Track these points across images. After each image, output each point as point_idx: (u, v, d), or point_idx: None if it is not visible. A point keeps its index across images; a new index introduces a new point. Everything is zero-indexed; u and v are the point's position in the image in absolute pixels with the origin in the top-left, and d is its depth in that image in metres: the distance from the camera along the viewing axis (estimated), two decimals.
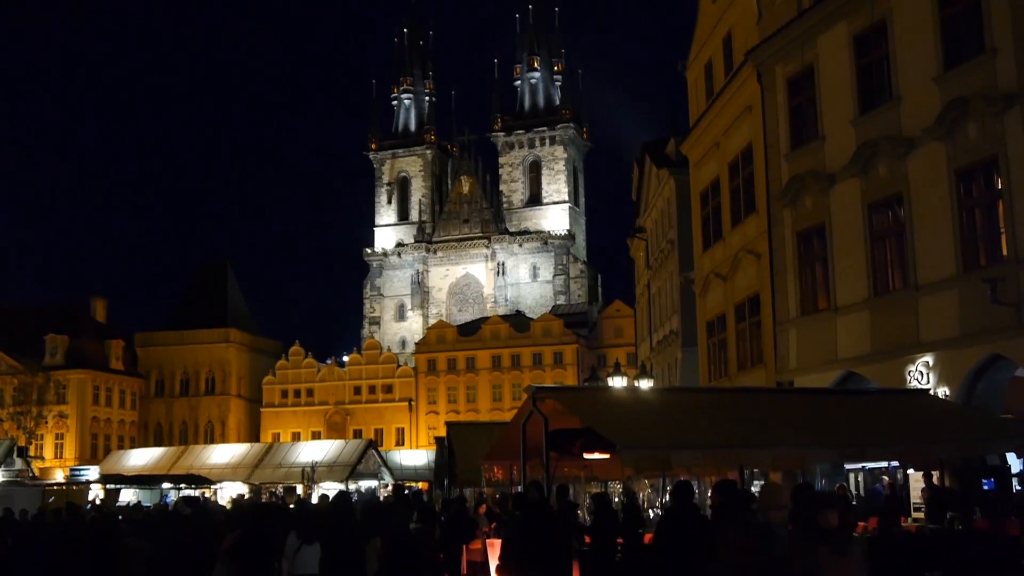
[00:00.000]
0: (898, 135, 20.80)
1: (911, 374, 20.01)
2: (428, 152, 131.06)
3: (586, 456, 17.35)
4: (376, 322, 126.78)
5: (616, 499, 22.76)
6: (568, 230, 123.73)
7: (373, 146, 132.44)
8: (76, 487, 45.76)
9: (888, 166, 21.11)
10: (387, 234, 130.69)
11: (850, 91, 22.49)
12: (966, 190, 19.45)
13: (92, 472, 60.89)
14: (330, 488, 45.02)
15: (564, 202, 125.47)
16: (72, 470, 70.47)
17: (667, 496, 21.86)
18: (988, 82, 18.75)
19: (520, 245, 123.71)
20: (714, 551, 8.75)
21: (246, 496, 43.51)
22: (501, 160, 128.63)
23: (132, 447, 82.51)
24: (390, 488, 48.05)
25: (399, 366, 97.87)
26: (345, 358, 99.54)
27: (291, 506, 25.87)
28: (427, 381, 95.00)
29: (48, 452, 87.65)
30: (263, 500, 39.43)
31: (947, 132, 19.42)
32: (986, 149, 18.77)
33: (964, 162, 19.29)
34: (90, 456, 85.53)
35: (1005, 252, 18.52)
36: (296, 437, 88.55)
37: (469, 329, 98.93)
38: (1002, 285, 17.84)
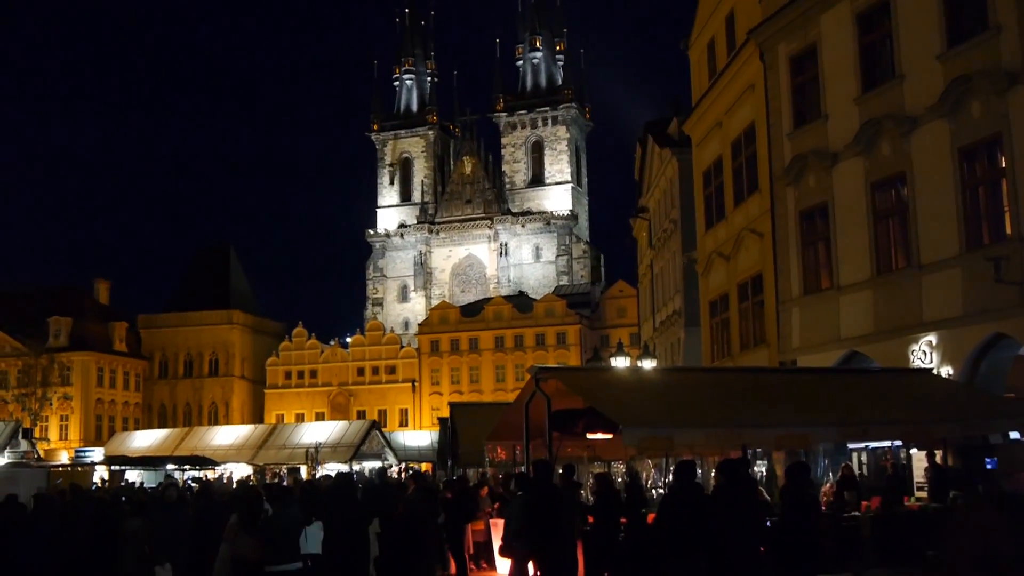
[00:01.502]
0: (901, 113, 20.72)
1: (914, 353, 20.00)
2: (430, 133, 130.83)
3: (589, 436, 17.38)
4: (379, 303, 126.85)
5: (619, 479, 22.79)
6: (571, 210, 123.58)
7: (375, 127, 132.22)
8: (81, 468, 45.89)
9: (891, 145, 21.04)
10: (390, 215, 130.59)
11: (853, 69, 22.39)
12: (970, 168, 19.38)
13: (97, 454, 61.06)
14: (334, 469, 45.17)
15: (567, 182, 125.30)
16: (77, 452, 70.75)
17: (670, 476, 21.91)
18: (992, 60, 18.66)
19: (523, 226, 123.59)
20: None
21: (250, 477, 43.62)
22: (503, 140, 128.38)
23: (136, 429, 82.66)
24: (395, 471, 48.19)
25: (402, 347, 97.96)
26: (348, 339, 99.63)
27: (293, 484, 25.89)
28: (430, 362, 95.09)
29: (53, 434, 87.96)
30: (267, 481, 39.53)
31: (951, 110, 19.34)
32: (990, 127, 18.69)
33: (968, 140, 19.21)
34: (95, 438, 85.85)
35: (1009, 231, 18.46)
36: (300, 418, 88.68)
37: (472, 310, 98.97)
38: (1006, 264, 17.79)
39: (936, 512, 17.31)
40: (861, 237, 21.86)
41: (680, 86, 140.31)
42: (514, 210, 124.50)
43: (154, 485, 33.29)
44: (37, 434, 74.67)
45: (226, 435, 60.90)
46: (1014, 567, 5.60)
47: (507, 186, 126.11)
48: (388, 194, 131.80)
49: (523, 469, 16.32)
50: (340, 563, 11.50)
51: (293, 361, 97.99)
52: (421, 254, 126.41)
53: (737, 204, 28.95)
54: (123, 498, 20.55)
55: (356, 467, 48.09)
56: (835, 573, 14.95)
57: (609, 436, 16.45)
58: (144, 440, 62.65)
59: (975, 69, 18.85)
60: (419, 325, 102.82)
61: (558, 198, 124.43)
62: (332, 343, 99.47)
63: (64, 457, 72.13)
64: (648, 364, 27.73)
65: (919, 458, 19.59)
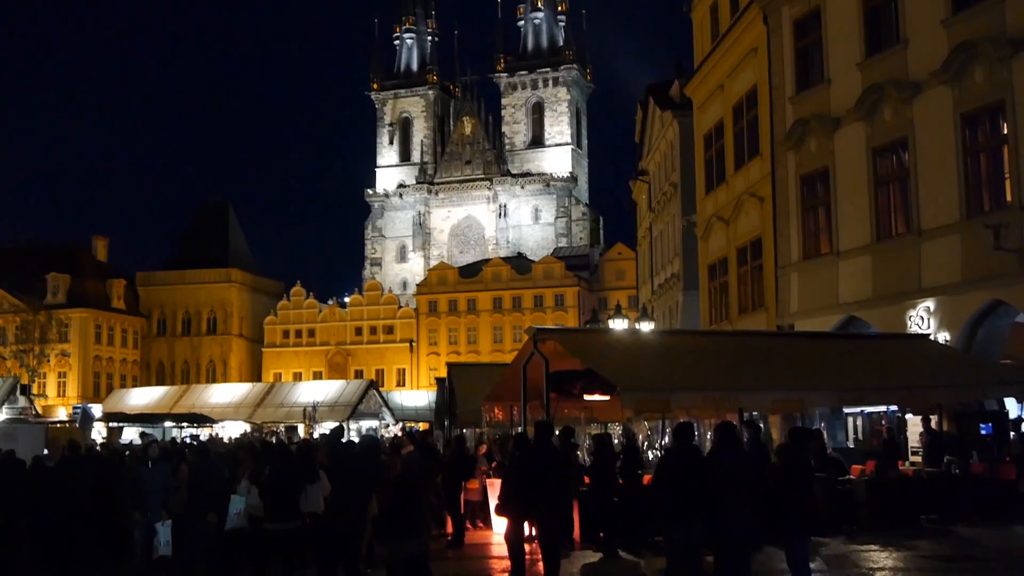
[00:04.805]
0: (904, 79, 20.64)
1: (912, 319, 20.05)
2: (430, 93, 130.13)
3: (586, 398, 17.47)
4: (377, 263, 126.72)
5: (616, 441, 22.91)
6: (570, 172, 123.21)
7: (375, 86, 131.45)
8: (79, 425, 45.98)
9: (893, 110, 20.98)
10: (389, 175, 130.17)
11: (857, 34, 22.28)
12: (971, 135, 19.34)
13: (95, 410, 61.25)
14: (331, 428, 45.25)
15: (567, 144, 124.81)
16: (75, 408, 70.92)
17: (667, 438, 22.02)
18: (997, 26, 18.57)
19: (522, 187, 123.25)
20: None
21: (246, 434, 43.72)
22: (504, 101, 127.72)
23: (134, 386, 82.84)
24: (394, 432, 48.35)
25: (400, 307, 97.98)
26: (346, 299, 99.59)
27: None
28: (428, 322, 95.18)
29: (51, 390, 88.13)
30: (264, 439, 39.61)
31: (954, 76, 19.27)
32: (993, 94, 18.64)
33: (970, 107, 19.16)
34: (92, 394, 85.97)
35: (1009, 198, 18.47)
36: (297, 377, 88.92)
37: (470, 271, 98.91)
38: (1005, 231, 17.80)
39: (931, 477, 17.45)
40: (861, 202, 21.85)
41: (682, 48, 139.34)
42: (513, 171, 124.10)
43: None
44: (35, 391, 74.78)
45: (224, 393, 61.14)
46: None
47: (507, 147, 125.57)
48: (387, 154, 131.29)
49: (520, 430, 16.40)
50: (338, 521, 11.55)
51: (291, 320, 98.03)
52: (420, 214, 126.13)
53: (738, 168, 28.88)
54: (127, 453, 20.53)
55: (354, 426, 48.31)
56: (830, 536, 15.09)
57: (606, 398, 16.53)
58: (142, 397, 62.88)
59: (979, 35, 18.77)
60: (417, 285, 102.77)
61: (558, 160, 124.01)
62: (330, 302, 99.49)
63: (62, 414, 72.36)
64: (646, 327, 27.78)
65: (914, 423, 19.70)
